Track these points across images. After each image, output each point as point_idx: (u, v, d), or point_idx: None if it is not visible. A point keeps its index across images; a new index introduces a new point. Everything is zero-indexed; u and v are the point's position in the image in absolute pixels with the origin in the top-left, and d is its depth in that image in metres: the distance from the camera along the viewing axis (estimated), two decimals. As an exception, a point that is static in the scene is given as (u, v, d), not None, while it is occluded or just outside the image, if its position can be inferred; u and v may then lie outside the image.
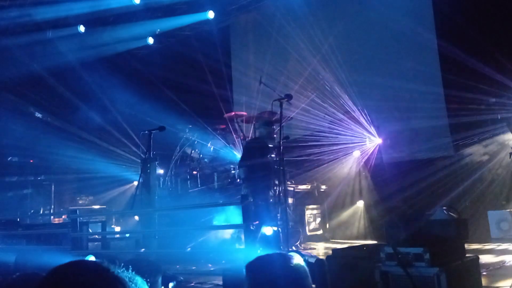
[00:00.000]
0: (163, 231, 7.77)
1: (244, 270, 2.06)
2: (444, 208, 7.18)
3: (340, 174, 9.86)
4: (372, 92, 9.86)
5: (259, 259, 2.09)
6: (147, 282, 1.61)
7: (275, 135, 7.56)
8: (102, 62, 12.00)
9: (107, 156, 11.84)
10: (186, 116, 11.05)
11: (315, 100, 10.29)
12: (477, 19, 8.34)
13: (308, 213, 9.38)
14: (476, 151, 8.46)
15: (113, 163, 11.79)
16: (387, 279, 3.55)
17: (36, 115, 12.03)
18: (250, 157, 7.23)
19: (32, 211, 11.54)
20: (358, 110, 9.75)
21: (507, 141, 8.20)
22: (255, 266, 2.04)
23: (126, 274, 1.50)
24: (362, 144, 9.79)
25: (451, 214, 7.16)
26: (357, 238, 9.06)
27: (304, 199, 9.52)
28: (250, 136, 9.66)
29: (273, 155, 7.49)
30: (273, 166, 7.24)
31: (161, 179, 10.38)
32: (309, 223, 9.35)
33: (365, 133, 9.67)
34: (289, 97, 7.04)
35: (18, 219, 9.37)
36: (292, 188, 9.05)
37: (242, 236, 6.06)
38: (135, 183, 10.75)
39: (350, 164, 9.83)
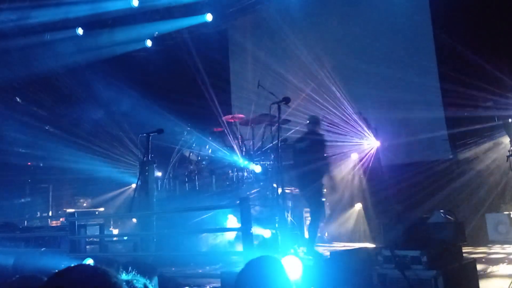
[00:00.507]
0: (161, 234, 7.76)
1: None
2: (441, 211, 7.17)
3: (338, 177, 9.86)
4: (371, 95, 9.88)
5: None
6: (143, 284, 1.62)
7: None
8: (100, 65, 11.99)
9: (105, 158, 11.83)
10: (184, 118, 11.06)
11: (313, 103, 10.30)
12: (476, 23, 8.38)
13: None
14: (473, 154, 8.49)
15: (111, 166, 11.78)
16: (385, 282, 3.56)
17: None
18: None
19: (30, 213, 11.52)
20: (356, 113, 9.77)
21: (504, 144, 8.21)
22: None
23: (125, 277, 1.51)
24: (360, 147, 9.80)
25: (448, 217, 7.16)
26: (355, 241, 9.06)
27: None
28: (246, 138, 9.68)
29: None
30: None
31: (160, 182, 10.38)
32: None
33: (363, 136, 9.69)
34: (286, 100, 7.05)
35: (16, 222, 9.35)
36: (290, 191, 9.05)
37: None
38: (133, 185, 10.74)
39: (348, 166, 9.83)
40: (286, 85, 10.71)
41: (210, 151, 10.09)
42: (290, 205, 8.74)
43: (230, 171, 9.63)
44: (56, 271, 1.28)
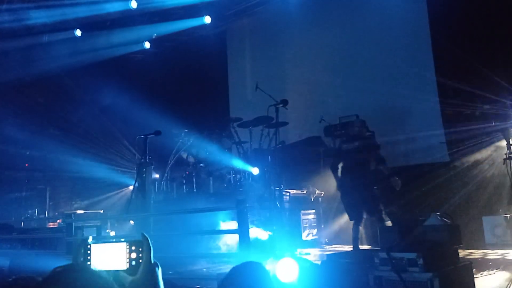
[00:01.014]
0: (158, 236, 7.76)
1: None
2: (438, 213, 7.18)
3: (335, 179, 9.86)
4: (368, 98, 9.91)
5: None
6: None
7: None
8: (98, 66, 11.99)
9: (102, 160, 11.82)
10: (182, 120, 11.06)
11: (311, 105, 10.32)
12: (473, 27, 8.42)
13: (303, 218, 9.39)
14: (470, 157, 8.50)
15: (108, 167, 11.77)
16: (381, 284, 3.57)
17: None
18: None
19: (27, 215, 11.50)
20: (353, 115, 9.78)
21: (501, 147, 8.24)
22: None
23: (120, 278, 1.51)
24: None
25: (445, 219, 7.18)
26: (351, 243, 9.05)
27: (299, 204, 9.52)
28: (244, 140, 9.68)
29: None
30: None
31: (157, 184, 10.37)
32: (304, 228, 9.35)
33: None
34: (284, 102, 7.07)
35: (13, 224, 9.34)
36: (287, 193, 9.06)
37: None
38: (131, 187, 10.73)
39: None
40: (284, 87, 10.73)
41: (207, 153, 10.09)
42: (287, 207, 8.75)
43: (227, 174, 9.63)
44: (52, 269, 1.29)
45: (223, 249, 7.50)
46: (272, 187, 7.36)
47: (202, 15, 11.87)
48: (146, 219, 7.24)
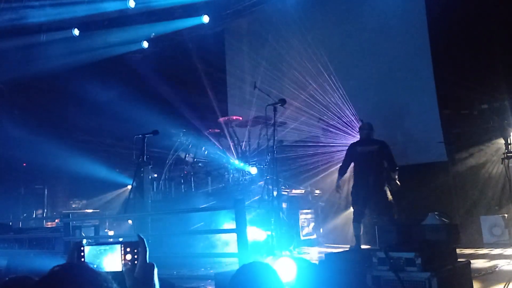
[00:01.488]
0: (156, 235, 7.75)
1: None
2: (436, 213, 7.21)
3: (333, 179, 9.88)
4: (366, 97, 9.91)
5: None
6: None
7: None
8: (96, 66, 11.97)
9: (100, 159, 11.80)
10: (180, 120, 11.05)
11: (309, 105, 10.32)
12: (471, 27, 8.42)
13: (301, 217, 9.39)
14: (468, 157, 8.51)
15: (106, 167, 11.75)
16: (379, 284, 3.57)
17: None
18: None
19: (24, 214, 11.48)
20: (351, 115, 9.79)
21: (499, 147, 8.25)
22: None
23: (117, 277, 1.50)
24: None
25: (443, 219, 7.19)
26: (350, 243, 9.06)
27: (297, 203, 9.52)
28: (242, 140, 9.68)
29: None
30: None
31: (155, 183, 10.36)
32: (302, 227, 9.35)
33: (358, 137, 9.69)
34: (282, 102, 7.07)
35: (10, 223, 9.31)
36: (286, 193, 9.06)
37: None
38: (129, 187, 10.72)
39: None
40: (282, 87, 10.72)
41: (206, 152, 10.08)
42: (285, 206, 8.76)
43: (226, 173, 9.63)
44: (50, 269, 1.28)
45: (221, 249, 7.50)
46: (271, 187, 7.36)
47: (200, 14, 11.86)
48: (144, 218, 7.23)
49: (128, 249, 1.57)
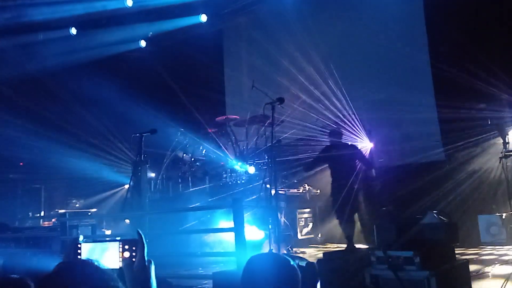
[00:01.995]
0: (153, 234, 7.73)
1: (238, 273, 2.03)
2: (435, 212, 7.19)
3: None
4: (365, 97, 9.90)
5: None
6: None
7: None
8: (94, 65, 11.93)
9: (98, 159, 11.75)
10: (178, 119, 11.01)
11: (307, 104, 10.31)
12: (468, 26, 8.43)
13: (300, 217, 9.39)
14: (466, 156, 8.52)
15: (104, 166, 11.71)
16: (377, 283, 3.56)
17: None
18: None
19: (22, 214, 11.42)
20: (350, 114, 9.78)
21: (497, 146, 8.26)
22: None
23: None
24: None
25: (442, 218, 7.18)
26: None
27: (295, 203, 9.52)
28: (240, 139, 9.67)
29: None
30: None
31: (153, 182, 10.33)
32: (300, 227, 9.35)
33: (357, 137, 9.70)
34: (281, 100, 7.04)
35: (7, 222, 9.26)
36: (283, 192, 9.05)
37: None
38: (126, 186, 10.69)
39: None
40: (280, 86, 10.70)
41: (203, 151, 10.06)
42: (283, 206, 8.75)
43: (223, 172, 9.62)
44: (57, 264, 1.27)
45: (219, 248, 7.49)
46: (268, 186, 7.34)
47: (198, 13, 11.84)
48: (142, 218, 7.21)
49: (126, 247, 1.56)
